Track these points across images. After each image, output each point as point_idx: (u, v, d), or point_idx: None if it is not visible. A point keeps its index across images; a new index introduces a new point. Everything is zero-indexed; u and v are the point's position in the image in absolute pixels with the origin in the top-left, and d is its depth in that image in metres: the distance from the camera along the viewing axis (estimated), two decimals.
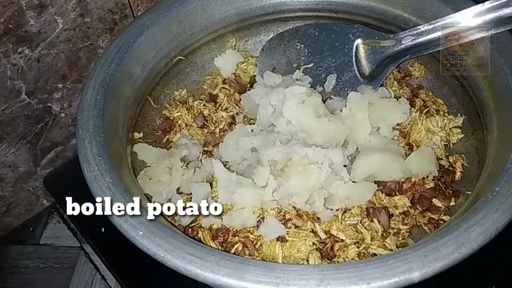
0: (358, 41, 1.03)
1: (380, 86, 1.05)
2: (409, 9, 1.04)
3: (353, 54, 1.04)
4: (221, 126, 1.06)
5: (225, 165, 0.96)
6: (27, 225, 1.59)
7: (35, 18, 1.16)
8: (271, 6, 1.13)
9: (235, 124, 1.06)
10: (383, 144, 0.97)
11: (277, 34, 1.13)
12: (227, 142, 1.00)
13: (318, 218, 0.89)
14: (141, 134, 1.01)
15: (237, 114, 1.08)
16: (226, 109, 1.09)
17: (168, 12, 1.03)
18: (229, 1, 1.09)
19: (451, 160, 0.97)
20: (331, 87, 1.05)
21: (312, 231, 0.87)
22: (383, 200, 0.93)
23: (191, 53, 1.12)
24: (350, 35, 1.04)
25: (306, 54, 1.09)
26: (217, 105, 1.10)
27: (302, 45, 1.09)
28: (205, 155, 1.02)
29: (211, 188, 0.93)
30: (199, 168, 0.98)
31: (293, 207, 0.89)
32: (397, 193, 0.94)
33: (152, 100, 1.06)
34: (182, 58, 1.10)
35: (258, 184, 0.90)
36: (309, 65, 1.08)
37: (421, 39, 0.96)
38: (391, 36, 1.01)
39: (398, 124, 1.01)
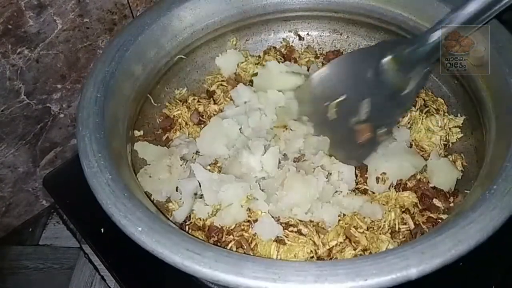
0: (385, 58, 0.95)
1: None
2: (409, 9, 1.04)
3: (381, 73, 0.96)
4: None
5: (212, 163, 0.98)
6: (27, 225, 1.58)
7: (34, 18, 1.16)
8: (271, 6, 1.13)
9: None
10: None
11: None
12: (204, 136, 1.01)
13: (323, 228, 0.89)
14: (141, 132, 1.01)
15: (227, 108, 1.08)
16: (221, 103, 1.10)
17: (169, 11, 1.03)
18: (230, 0, 1.10)
19: (450, 160, 0.97)
20: (365, 115, 0.97)
21: (314, 242, 0.87)
22: (393, 196, 0.93)
23: (191, 52, 1.12)
24: (376, 55, 0.96)
25: (338, 89, 1.01)
26: (213, 100, 1.11)
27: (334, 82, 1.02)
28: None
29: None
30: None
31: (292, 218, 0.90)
32: (401, 190, 0.94)
33: (152, 98, 1.06)
34: (183, 57, 1.10)
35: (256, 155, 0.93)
36: (341, 98, 0.99)
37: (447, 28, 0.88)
38: (418, 38, 0.93)
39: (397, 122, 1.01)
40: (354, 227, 0.87)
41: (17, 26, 1.15)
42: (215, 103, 1.10)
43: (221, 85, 1.13)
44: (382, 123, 0.96)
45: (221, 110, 1.08)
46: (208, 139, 1.00)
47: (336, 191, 0.92)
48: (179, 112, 1.08)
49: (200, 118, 1.08)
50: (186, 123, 1.07)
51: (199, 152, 1.02)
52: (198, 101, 1.10)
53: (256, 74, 1.11)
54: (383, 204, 0.91)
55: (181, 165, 0.97)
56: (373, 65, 0.95)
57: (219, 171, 0.97)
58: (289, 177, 0.90)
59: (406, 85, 0.93)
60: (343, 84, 0.99)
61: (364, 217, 0.89)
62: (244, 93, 1.07)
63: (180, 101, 1.11)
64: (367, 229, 0.88)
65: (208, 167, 0.97)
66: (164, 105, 1.10)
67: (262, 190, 0.92)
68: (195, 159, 1.00)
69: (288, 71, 1.09)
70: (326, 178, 0.91)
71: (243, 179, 0.93)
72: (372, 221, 0.89)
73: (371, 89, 0.96)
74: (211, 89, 1.13)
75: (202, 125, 1.06)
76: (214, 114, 1.07)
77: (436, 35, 0.88)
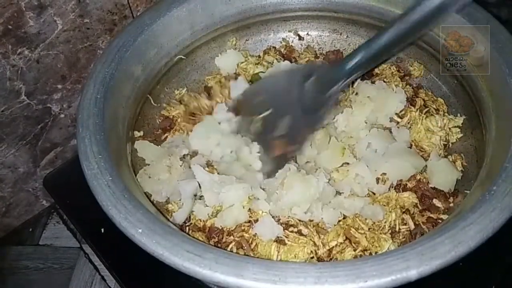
0: (308, 80, 0.95)
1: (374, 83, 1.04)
2: None
3: (303, 94, 0.96)
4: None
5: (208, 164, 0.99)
6: (27, 225, 1.58)
7: (34, 19, 1.17)
8: (271, 6, 1.14)
9: None
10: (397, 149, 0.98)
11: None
12: (196, 132, 1.02)
13: (324, 229, 0.89)
14: (141, 133, 1.01)
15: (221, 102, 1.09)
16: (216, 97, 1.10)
17: (169, 11, 1.03)
18: (229, 0, 1.10)
19: (450, 160, 0.97)
20: (282, 131, 0.99)
21: (314, 243, 0.87)
22: (393, 197, 0.93)
23: (191, 52, 1.12)
24: (302, 75, 0.96)
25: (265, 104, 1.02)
26: (208, 95, 1.11)
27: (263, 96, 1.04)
28: None
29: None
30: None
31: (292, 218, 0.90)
32: (401, 190, 0.94)
33: (152, 99, 1.06)
34: (183, 57, 1.10)
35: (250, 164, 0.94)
36: (266, 113, 1.01)
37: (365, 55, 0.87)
38: (338, 63, 0.93)
39: (397, 122, 1.01)
40: (355, 228, 0.87)
41: (17, 27, 1.15)
42: (209, 97, 1.10)
43: (220, 81, 1.13)
44: (294, 141, 0.97)
45: (211, 107, 1.08)
46: (200, 136, 1.01)
47: (337, 192, 0.92)
48: (177, 111, 1.08)
49: (190, 117, 1.08)
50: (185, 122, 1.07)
51: (196, 151, 1.02)
52: (195, 97, 1.10)
53: (256, 74, 1.11)
54: (384, 205, 0.91)
55: (180, 166, 0.98)
56: (298, 85, 0.96)
57: (218, 173, 0.97)
58: (289, 176, 0.90)
59: (321, 107, 0.95)
60: (270, 100, 1.01)
61: (366, 219, 0.89)
62: (242, 87, 1.08)
63: (179, 101, 1.11)
64: (368, 230, 0.88)
65: (207, 169, 0.97)
66: (163, 106, 1.10)
67: (263, 189, 0.92)
68: (190, 158, 1.01)
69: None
70: (327, 179, 0.91)
71: (243, 180, 0.93)
72: (374, 223, 0.89)
73: (292, 108, 0.97)
74: (209, 84, 1.14)
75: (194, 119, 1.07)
76: (206, 108, 1.08)
77: (353, 61, 0.87)
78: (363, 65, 0.88)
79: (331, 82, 0.91)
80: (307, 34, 1.22)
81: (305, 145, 0.98)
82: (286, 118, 0.98)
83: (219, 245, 0.88)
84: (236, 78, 1.12)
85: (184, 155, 1.00)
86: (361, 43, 1.15)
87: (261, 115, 1.00)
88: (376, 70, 1.12)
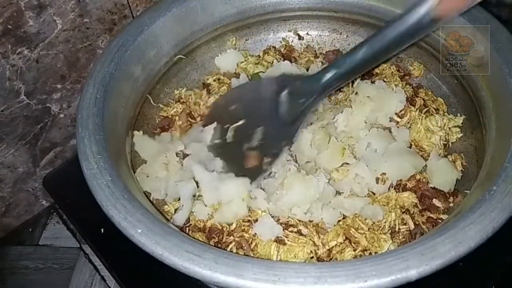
0: (283, 91, 0.96)
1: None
2: None
3: (278, 105, 0.97)
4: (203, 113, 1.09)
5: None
6: (26, 225, 1.58)
7: (34, 18, 1.17)
8: (271, 5, 1.14)
9: None
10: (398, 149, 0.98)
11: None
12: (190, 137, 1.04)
13: (323, 229, 0.89)
14: (141, 133, 1.01)
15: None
16: (215, 93, 1.11)
17: (168, 11, 1.03)
18: (229, 0, 1.10)
19: (450, 159, 0.97)
20: (256, 142, 0.99)
21: (314, 243, 0.87)
22: (393, 197, 0.93)
23: (191, 52, 1.12)
24: (277, 87, 0.97)
25: (239, 113, 1.03)
26: (207, 91, 1.12)
27: (236, 105, 1.04)
28: None
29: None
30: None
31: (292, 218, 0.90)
32: (401, 190, 0.94)
33: (152, 98, 1.06)
34: (182, 57, 1.10)
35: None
36: (240, 123, 1.01)
37: (340, 70, 0.88)
38: (312, 76, 0.94)
39: (397, 122, 1.01)
40: (355, 228, 0.87)
41: (17, 26, 1.15)
42: (209, 93, 1.11)
43: (218, 78, 1.14)
44: (269, 153, 0.97)
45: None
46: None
47: (337, 192, 0.92)
48: (175, 110, 1.09)
49: (189, 118, 1.08)
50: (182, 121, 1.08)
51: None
52: (194, 92, 1.11)
53: (256, 74, 1.11)
54: (384, 205, 0.91)
55: (177, 162, 0.98)
56: (272, 96, 0.97)
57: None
58: (289, 176, 0.90)
59: (296, 119, 0.95)
60: (244, 110, 1.02)
61: (366, 219, 0.89)
62: (243, 82, 1.09)
63: (178, 100, 1.12)
64: (368, 230, 0.88)
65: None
66: (162, 106, 1.10)
67: (263, 189, 0.92)
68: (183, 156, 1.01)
69: (299, 73, 1.10)
70: (327, 180, 0.91)
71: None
72: (374, 223, 0.89)
73: (266, 119, 0.98)
74: (208, 81, 1.14)
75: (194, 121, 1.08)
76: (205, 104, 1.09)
77: (328, 75, 0.88)
78: (337, 80, 0.88)
79: (306, 95, 0.92)
80: (307, 33, 1.22)
81: (280, 158, 0.97)
82: (260, 129, 0.98)
83: (219, 245, 0.88)
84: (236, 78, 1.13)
85: (180, 150, 1.01)
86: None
87: (234, 125, 1.01)
88: (376, 70, 1.13)
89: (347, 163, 0.95)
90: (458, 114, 1.02)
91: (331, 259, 0.86)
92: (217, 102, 1.07)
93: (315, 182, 0.89)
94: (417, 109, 1.02)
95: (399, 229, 0.89)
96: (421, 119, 1.00)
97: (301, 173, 0.91)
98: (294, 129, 0.96)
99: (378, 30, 0.81)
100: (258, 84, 1.05)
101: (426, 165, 0.96)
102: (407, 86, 1.09)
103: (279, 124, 0.97)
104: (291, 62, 1.13)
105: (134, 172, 0.93)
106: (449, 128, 1.00)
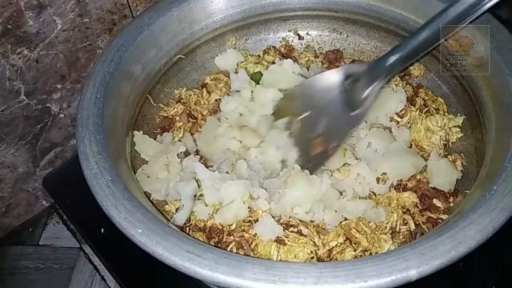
0: (347, 80, 0.98)
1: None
2: (409, 8, 1.04)
3: (342, 94, 0.99)
4: (204, 113, 1.10)
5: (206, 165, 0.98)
6: (27, 226, 1.58)
7: (34, 18, 1.16)
8: (271, 5, 1.14)
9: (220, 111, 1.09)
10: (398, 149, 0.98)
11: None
12: (203, 136, 1.04)
13: (324, 229, 0.89)
14: (141, 133, 1.01)
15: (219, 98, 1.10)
16: (213, 91, 1.12)
17: (168, 11, 1.03)
18: (229, 0, 1.10)
19: (450, 159, 0.97)
20: (321, 130, 1.01)
21: (314, 243, 0.87)
22: (394, 197, 0.93)
23: (191, 51, 1.12)
24: (340, 76, 0.99)
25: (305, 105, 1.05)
26: (206, 90, 1.12)
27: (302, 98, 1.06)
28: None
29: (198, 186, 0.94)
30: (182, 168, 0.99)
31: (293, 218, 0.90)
32: (401, 190, 0.94)
33: (152, 98, 1.06)
34: (182, 56, 1.10)
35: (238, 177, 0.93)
36: (306, 114, 1.03)
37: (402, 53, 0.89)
38: (378, 61, 0.95)
39: (397, 122, 1.01)
40: (358, 231, 0.87)
41: (16, 26, 1.15)
42: (208, 92, 1.11)
43: (216, 78, 1.14)
44: (334, 138, 0.98)
45: (213, 104, 1.10)
46: (207, 140, 1.02)
47: (341, 194, 0.93)
48: (175, 110, 1.09)
49: (190, 118, 1.08)
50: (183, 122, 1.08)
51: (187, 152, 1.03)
52: (193, 91, 1.12)
53: (257, 73, 1.12)
54: (386, 206, 0.91)
55: (178, 163, 0.98)
56: (337, 86, 0.99)
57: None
58: (292, 175, 0.91)
59: (361, 105, 0.96)
60: (309, 102, 1.03)
61: (369, 222, 0.89)
62: (242, 78, 1.10)
63: (178, 100, 1.12)
64: (371, 233, 0.88)
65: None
66: (162, 106, 1.10)
67: (265, 189, 0.92)
68: (184, 156, 1.02)
69: (301, 73, 1.11)
70: (331, 182, 0.92)
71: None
72: (377, 226, 0.89)
73: (331, 107, 0.99)
74: (206, 81, 1.15)
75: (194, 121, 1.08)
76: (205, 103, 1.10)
77: (393, 58, 0.89)
78: (400, 63, 0.90)
79: (371, 81, 0.93)
80: (307, 33, 1.22)
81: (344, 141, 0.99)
82: (324, 118, 1.00)
83: (219, 245, 0.88)
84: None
85: (181, 152, 1.01)
86: (360, 42, 1.16)
87: (300, 117, 1.02)
88: None
89: (348, 164, 0.95)
90: (458, 114, 1.02)
91: (331, 259, 0.86)
92: (284, 97, 1.08)
93: (318, 182, 0.89)
94: (417, 109, 1.02)
95: (399, 229, 0.89)
96: (421, 119, 1.00)
97: (304, 173, 0.91)
98: (359, 115, 0.98)
99: (438, 12, 0.83)
100: (322, 77, 1.05)
101: (426, 165, 0.96)
102: (407, 86, 1.08)
103: (343, 113, 0.98)
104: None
105: (135, 173, 0.93)
106: (449, 128, 1.01)
